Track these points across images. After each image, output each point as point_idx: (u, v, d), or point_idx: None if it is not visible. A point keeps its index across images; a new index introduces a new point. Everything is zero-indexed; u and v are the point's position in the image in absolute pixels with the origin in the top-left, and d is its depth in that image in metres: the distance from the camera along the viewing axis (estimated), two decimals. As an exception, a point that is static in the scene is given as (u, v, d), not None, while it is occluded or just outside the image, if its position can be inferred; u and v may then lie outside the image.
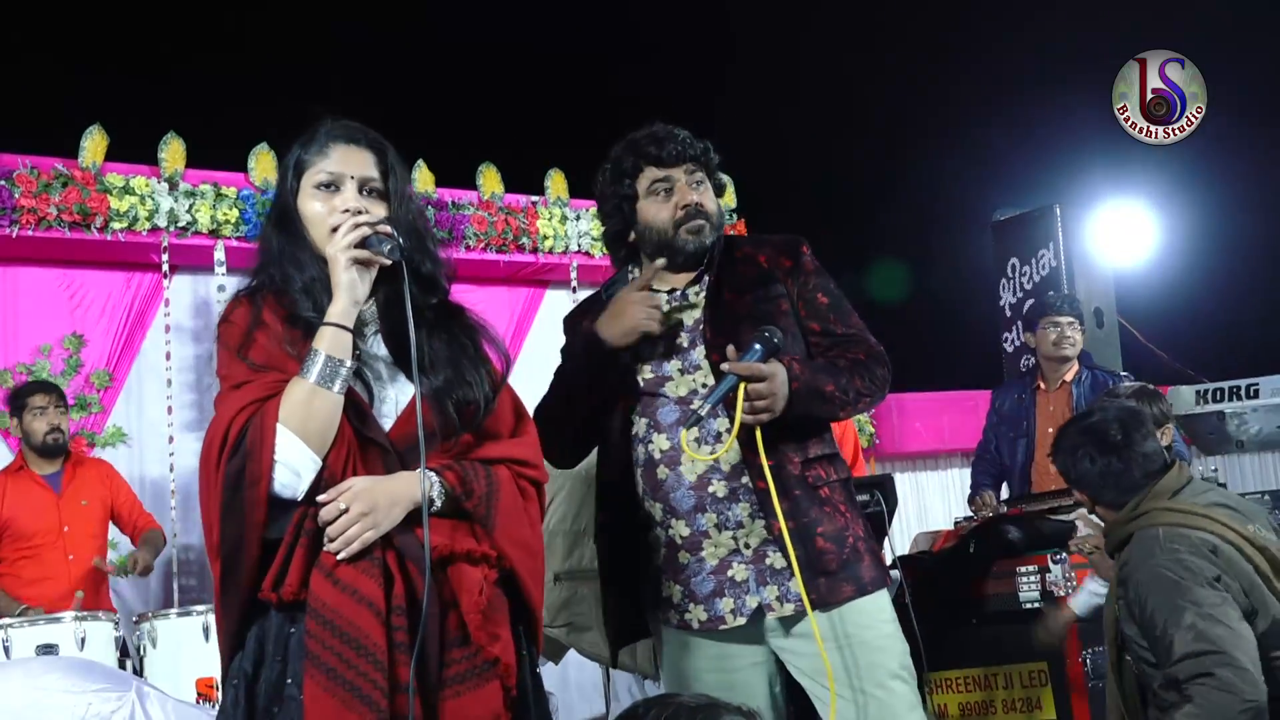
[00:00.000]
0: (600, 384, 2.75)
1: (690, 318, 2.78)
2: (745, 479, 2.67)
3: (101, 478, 5.48)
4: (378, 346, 2.24)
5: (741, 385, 2.57)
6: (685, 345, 2.76)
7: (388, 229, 2.16)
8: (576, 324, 2.92)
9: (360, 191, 2.23)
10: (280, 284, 2.23)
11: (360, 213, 2.18)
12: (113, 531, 5.55)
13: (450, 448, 2.20)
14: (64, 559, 5.17)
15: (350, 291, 2.13)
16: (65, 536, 5.19)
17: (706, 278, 2.81)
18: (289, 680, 2.06)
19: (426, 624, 2.05)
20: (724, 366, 2.59)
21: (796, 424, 2.70)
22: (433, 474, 2.14)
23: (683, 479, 2.69)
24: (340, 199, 2.22)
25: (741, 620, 2.67)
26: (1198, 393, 5.32)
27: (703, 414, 2.58)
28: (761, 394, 2.58)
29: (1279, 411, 5.15)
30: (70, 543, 5.21)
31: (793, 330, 2.77)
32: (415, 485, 2.11)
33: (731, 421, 2.60)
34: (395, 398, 2.20)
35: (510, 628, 2.17)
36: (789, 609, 2.67)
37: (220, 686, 2.19)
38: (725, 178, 2.96)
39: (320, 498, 2.08)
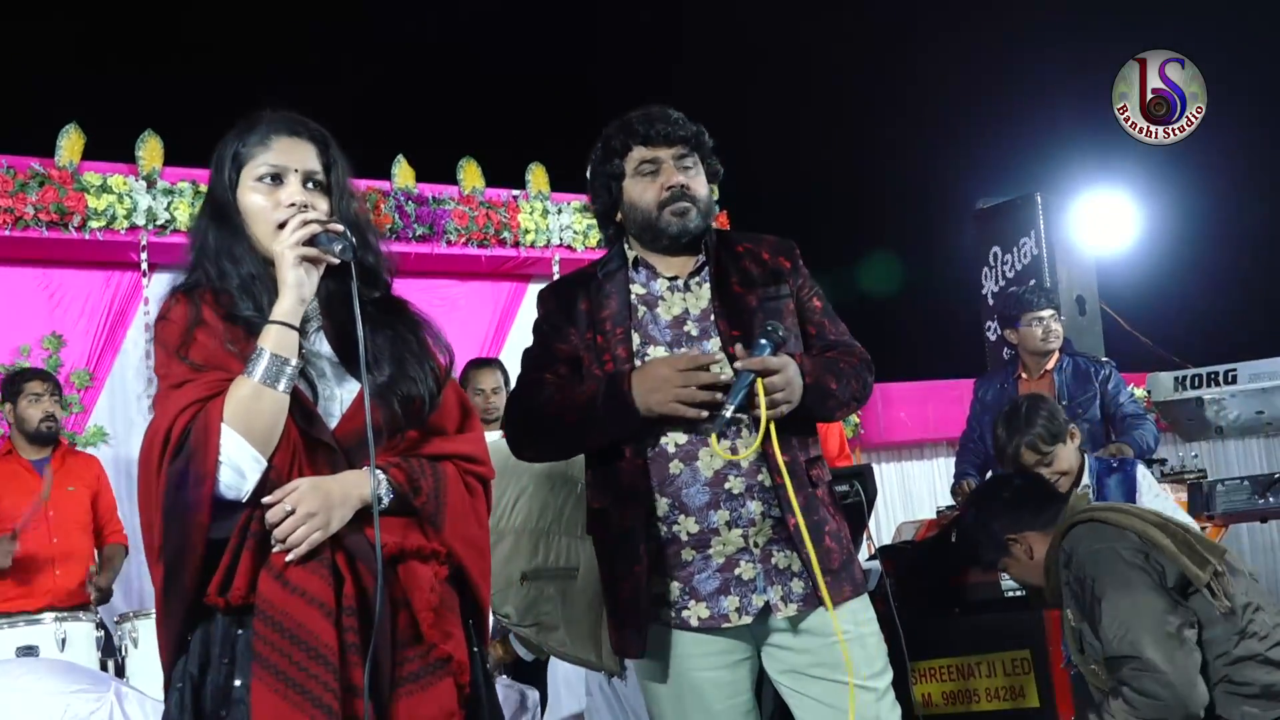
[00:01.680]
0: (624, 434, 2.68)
1: (695, 308, 2.74)
2: (762, 475, 2.64)
3: (90, 471, 5.51)
4: (320, 344, 2.20)
5: (759, 381, 2.55)
6: (696, 335, 2.71)
7: (338, 227, 2.12)
8: (550, 301, 2.85)
9: (304, 185, 2.18)
10: (216, 280, 2.16)
11: (305, 208, 2.14)
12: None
13: (396, 445, 2.17)
14: (49, 541, 5.18)
15: (298, 290, 2.08)
16: (50, 521, 5.20)
17: (707, 268, 2.77)
18: (237, 683, 2.02)
19: (380, 623, 2.02)
20: (738, 365, 2.55)
21: (800, 422, 2.69)
22: (380, 472, 2.10)
23: (698, 474, 2.64)
24: (285, 193, 2.16)
25: (747, 619, 2.64)
26: (1176, 379, 5.34)
27: (727, 415, 2.53)
28: (778, 386, 2.56)
29: (1257, 397, 5.17)
30: (55, 526, 5.22)
31: (795, 331, 2.76)
32: (363, 484, 2.08)
33: (748, 418, 2.58)
34: (340, 396, 2.15)
35: (461, 625, 2.16)
36: (792, 609, 2.66)
37: (166, 692, 2.13)
38: (718, 165, 2.91)
39: (266, 499, 2.04)
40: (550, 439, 2.74)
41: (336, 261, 2.11)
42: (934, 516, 5.10)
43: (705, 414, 2.58)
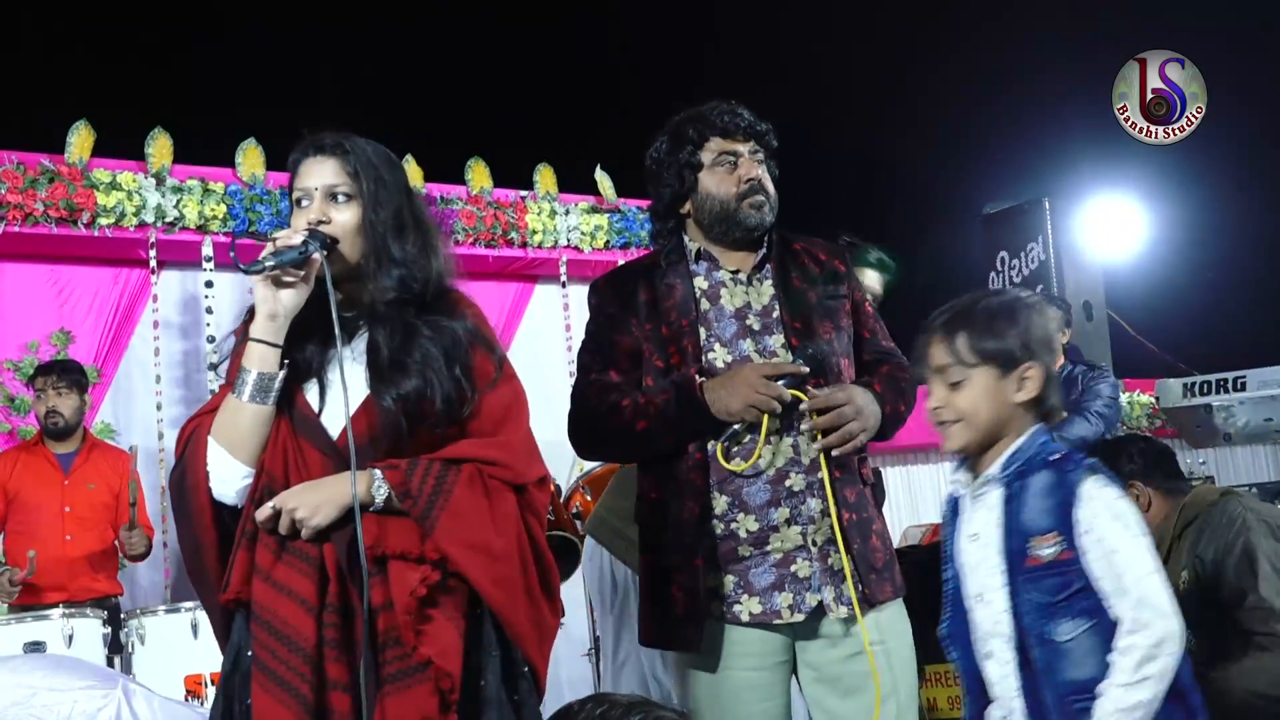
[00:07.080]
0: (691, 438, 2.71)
1: (758, 302, 2.76)
2: (821, 473, 2.66)
3: (115, 466, 5.45)
4: (353, 351, 2.27)
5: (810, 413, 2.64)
6: (758, 330, 2.73)
7: (296, 238, 2.19)
8: (608, 292, 2.84)
9: (327, 199, 2.26)
10: None
11: (320, 224, 2.24)
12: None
13: (415, 445, 2.20)
14: (61, 539, 5.18)
15: (263, 305, 2.20)
16: (66, 518, 5.21)
17: (768, 264, 2.80)
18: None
19: (367, 622, 2.10)
20: (803, 406, 2.63)
21: None
22: (377, 473, 2.16)
23: (760, 473, 2.66)
24: (307, 215, 2.27)
25: (799, 616, 2.64)
26: (1185, 385, 5.32)
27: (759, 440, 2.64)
28: (848, 416, 2.64)
29: (1266, 404, 5.14)
30: (70, 524, 5.22)
31: (848, 331, 2.80)
32: (353, 485, 2.15)
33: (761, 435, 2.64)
34: (352, 400, 2.21)
35: (461, 631, 2.16)
36: (844, 611, 2.66)
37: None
38: (776, 169, 2.93)
39: (257, 512, 2.16)
40: (618, 443, 2.79)
41: (300, 274, 2.20)
42: (939, 521, 5.07)
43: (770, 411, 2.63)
